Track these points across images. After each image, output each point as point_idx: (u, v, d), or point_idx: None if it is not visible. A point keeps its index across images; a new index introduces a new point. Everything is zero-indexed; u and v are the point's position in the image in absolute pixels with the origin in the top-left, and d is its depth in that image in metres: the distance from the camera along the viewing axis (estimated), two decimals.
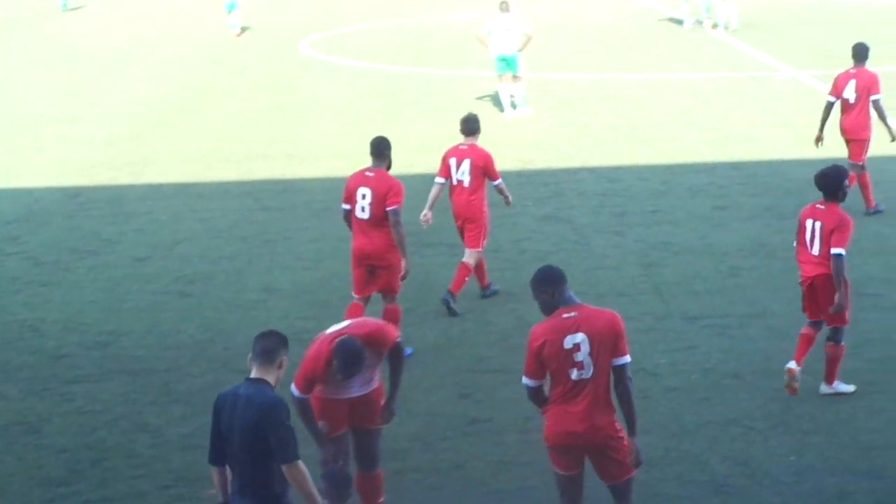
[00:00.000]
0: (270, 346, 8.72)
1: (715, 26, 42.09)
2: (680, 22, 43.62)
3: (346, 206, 14.43)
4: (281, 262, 18.34)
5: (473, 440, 12.46)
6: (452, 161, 16.35)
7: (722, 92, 30.50)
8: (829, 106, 19.66)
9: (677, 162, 23.51)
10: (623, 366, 9.30)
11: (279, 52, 40.66)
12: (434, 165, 23.56)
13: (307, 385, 10.08)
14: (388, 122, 28.18)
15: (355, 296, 14.60)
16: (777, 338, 14.60)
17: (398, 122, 28.07)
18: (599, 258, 17.92)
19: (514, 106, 28.15)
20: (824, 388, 13.16)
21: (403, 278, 14.47)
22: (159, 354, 14.86)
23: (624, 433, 9.46)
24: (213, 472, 8.84)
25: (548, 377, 9.41)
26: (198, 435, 12.57)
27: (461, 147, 16.44)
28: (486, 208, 16.29)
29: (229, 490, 8.77)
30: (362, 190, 14.26)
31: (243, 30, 44.94)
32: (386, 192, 14.17)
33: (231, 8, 44.85)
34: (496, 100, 29.49)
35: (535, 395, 9.48)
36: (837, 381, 13.15)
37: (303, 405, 10.05)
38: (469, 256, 16.18)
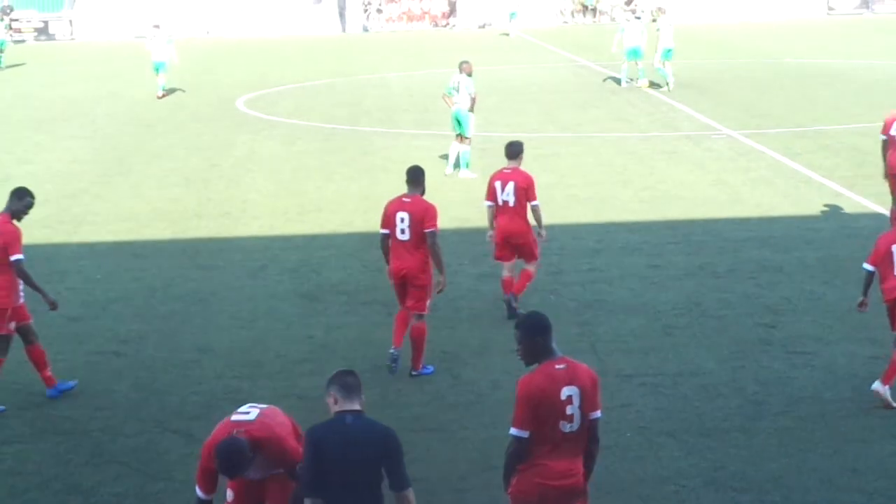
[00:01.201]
0: (355, 382, 9.02)
1: (651, 86, 42.51)
2: (617, 81, 44.09)
3: (385, 231, 15.54)
4: (216, 321, 18.25)
5: None
6: (497, 184, 17.83)
7: (657, 151, 30.76)
8: (884, 143, 20.94)
9: (612, 221, 23.66)
10: (597, 419, 9.41)
11: (215, 111, 40.64)
12: (373, 223, 23.68)
13: (206, 479, 9.74)
14: (326, 180, 28.22)
15: (401, 306, 15.77)
16: (709, 396, 14.69)
17: (335, 181, 28.10)
18: None
19: (456, 166, 28.30)
20: (876, 386, 14.13)
21: (440, 292, 15.75)
22: (92, 415, 14.72)
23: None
24: (309, 501, 8.93)
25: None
26: (131, 495, 12.48)
27: (505, 171, 17.96)
28: (531, 226, 17.84)
29: None
30: (401, 214, 15.41)
31: (167, 91, 44.72)
32: (423, 215, 15.35)
33: (157, 69, 44.61)
34: (432, 157, 29.63)
35: (525, 447, 9.24)
36: (888, 388, 14.06)
37: None
38: (531, 266, 17.90)
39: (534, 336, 9.37)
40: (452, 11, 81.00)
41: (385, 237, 15.53)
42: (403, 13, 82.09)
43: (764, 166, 28.44)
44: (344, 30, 79.13)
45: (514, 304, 17.55)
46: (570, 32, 72.27)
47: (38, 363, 15.32)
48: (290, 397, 14.75)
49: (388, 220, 15.48)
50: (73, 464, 13.36)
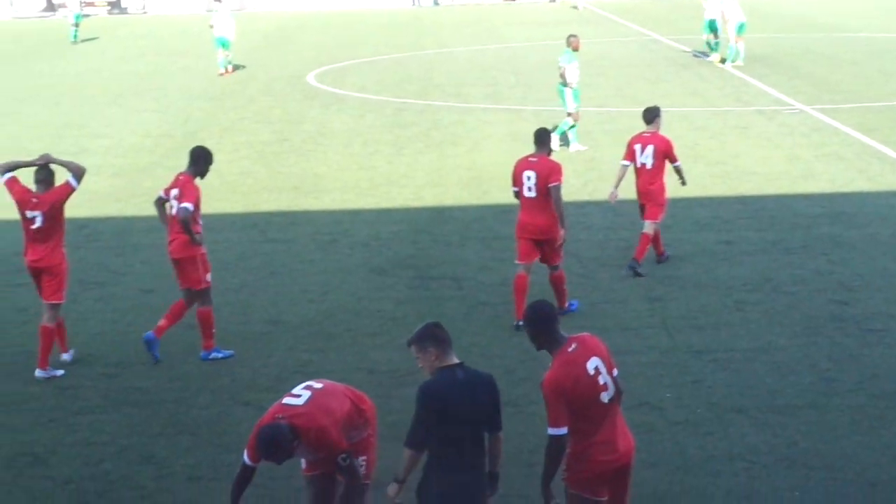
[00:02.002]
0: (448, 335, 9.44)
1: (723, 61, 42.21)
2: (694, 55, 43.81)
3: (515, 189, 16.56)
4: (286, 294, 18.35)
5: None
6: (637, 147, 18.84)
7: (729, 126, 30.58)
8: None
9: (683, 196, 23.50)
10: (617, 375, 9.49)
11: (285, 85, 40.80)
12: (442, 197, 23.69)
13: (254, 451, 9.66)
14: (395, 154, 28.27)
15: (519, 263, 16.65)
16: (781, 373, 14.61)
17: (405, 155, 28.14)
18: (606, 292, 17.93)
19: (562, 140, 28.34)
20: None
21: (560, 245, 16.52)
22: (165, 386, 14.87)
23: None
24: (413, 455, 9.29)
25: None
26: (203, 466, 12.60)
27: (644, 134, 18.88)
28: (665, 187, 18.88)
29: (445, 470, 9.22)
30: (527, 173, 16.36)
31: (232, 67, 44.80)
32: (549, 173, 16.28)
33: (220, 44, 43.86)
34: (501, 133, 29.62)
35: (564, 443, 9.24)
36: None
37: (245, 475, 9.72)
38: (648, 227, 18.67)
39: (536, 325, 9.42)
40: None
41: (516, 193, 16.59)
42: None
43: (837, 142, 28.19)
44: (414, 3, 79.08)
45: (638, 270, 18.52)
46: (641, 6, 71.82)
47: (205, 326, 15.71)
48: (361, 371, 14.83)
49: (518, 179, 16.48)
50: (146, 434, 13.50)
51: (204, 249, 15.62)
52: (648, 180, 18.74)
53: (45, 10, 78.07)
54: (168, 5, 77.08)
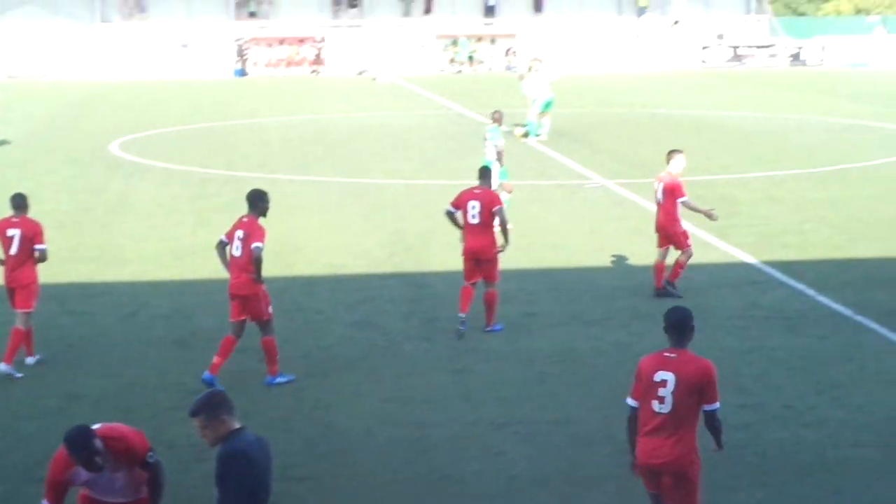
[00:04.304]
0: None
1: (526, 135, 42.83)
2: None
3: (452, 209, 19.25)
4: (84, 367, 17.94)
5: None
6: (657, 184, 21.42)
7: (532, 200, 30.94)
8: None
9: None
10: (713, 411, 10.56)
11: (88, 154, 40.18)
12: None
13: (53, 490, 9.95)
14: (199, 225, 27.97)
15: (465, 282, 19.28)
16: (582, 444, 14.73)
17: (209, 226, 27.84)
18: (410, 364, 17.91)
19: None
20: None
21: (501, 251, 19.24)
22: None
23: (696, 467, 10.62)
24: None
25: None
26: None
27: (661, 175, 21.44)
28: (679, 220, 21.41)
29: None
30: (472, 202, 19.05)
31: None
32: (491, 201, 19.05)
33: None
34: (308, 204, 29.53)
35: (634, 415, 10.66)
36: None
37: None
38: (682, 255, 21.26)
39: (667, 327, 10.74)
40: (319, 58, 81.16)
41: (451, 213, 19.25)
42: (280, 59, 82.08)
43: (637, 216, 28.73)
44: (220, 74, 78.82)
45: (673, 291, 21.02)
46: (449, 80, 72.64)
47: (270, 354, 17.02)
48: (160, 445, 14.44)
49: (461, 204, 19.14)
50: None
51: (265, 286, 16.87)
52: (664, 214, 21.29)
53: None
54: None
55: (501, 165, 27.16)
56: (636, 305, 20.89)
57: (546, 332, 19.42)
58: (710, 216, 21.77)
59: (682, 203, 21.21)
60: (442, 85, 68.36)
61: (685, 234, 21.47)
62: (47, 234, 16.89)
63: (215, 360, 16.81)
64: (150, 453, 10.12)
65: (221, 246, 17.08)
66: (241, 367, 17.67)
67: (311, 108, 56.20)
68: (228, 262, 16.94)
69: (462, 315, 19.03)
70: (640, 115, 51.14)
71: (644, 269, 23.46)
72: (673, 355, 10.57)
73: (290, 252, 24.95)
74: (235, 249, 16.79)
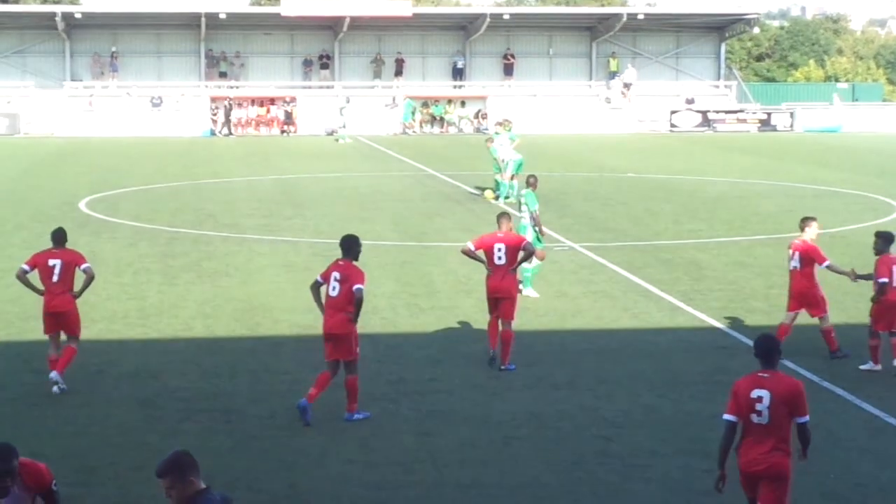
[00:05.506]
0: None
1: (496, 197, 43.01)
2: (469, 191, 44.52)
3: (475, 248, 21.12)
4: (48, 426, 17.84)
5: None
6: (790, 251, 21.59)
7: None
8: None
9: (455, 329, 23.76)
10: (803, 423, 12.23)
11: (56, 211, 40.08)
12: (213, 328, 23.42)
13: None
14: (167, 284, 27.94)
15: (489, 315, 21.09)
16: None
17: (176, 285, 27.83)
18: (375, 426, 17.87)
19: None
20: None
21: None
22: None
23: (788, 473, 12.15)
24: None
25: None
26: None
27: (795, 242, 21.64)
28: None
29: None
30: (498, 245, 20.81)
31: None
32: (516, 243, 20.98)
33: None
34: (275, 264, 29.50)
35: (730, 429, 12.21)
36: None
37: None
38: (823, 322, 21.63)
39: (757, 353, 12.40)
40: (289, 119, 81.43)
41: (470, 251, 21.20)
42: (252, 119, 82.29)
43: (604, 279, 28.84)
44: (189, 133, 78.86)
45: (843, 354, 21.50)
46: (418, 142, 72.91)
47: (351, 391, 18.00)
48: None
49: (487, 246, 20.95)
50: None
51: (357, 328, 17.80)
52: (798, 279, 21.49)
53: None
54: None
55: (538, 232, 27.23)
56: (602, 369, 20.92)
57: (512, 395, 19.42)
58: (853, 277, 21.66)
59: (828, 267, 21.59)
60: (412, 146, 68.50)
61: (825, 300, 21.71)
62: (11, 292, 17.04)
63: (311, 391, 17.75)
64: (55, 482, 10.41)
65: (316, 286, 18.16)
66: (205, 427, 17.63)
67: (281, 167, 56.27)
68: (324, 303, 17.92)
69: (492, 351, 20.86)
70: (609, 179, 51.41)
71: (609, 332, 23.57)
72: (766, 375, 12.22)
73: (258, 312, 24.92)
74: (332, 290, 17.78)
